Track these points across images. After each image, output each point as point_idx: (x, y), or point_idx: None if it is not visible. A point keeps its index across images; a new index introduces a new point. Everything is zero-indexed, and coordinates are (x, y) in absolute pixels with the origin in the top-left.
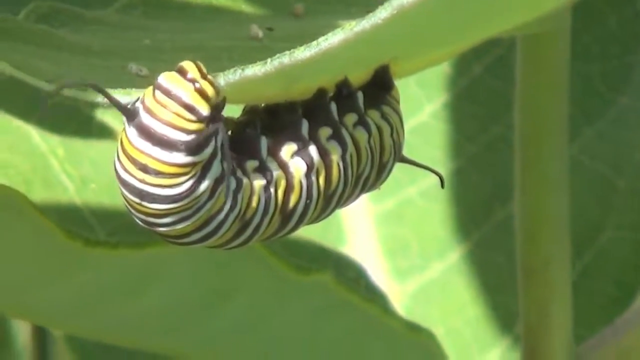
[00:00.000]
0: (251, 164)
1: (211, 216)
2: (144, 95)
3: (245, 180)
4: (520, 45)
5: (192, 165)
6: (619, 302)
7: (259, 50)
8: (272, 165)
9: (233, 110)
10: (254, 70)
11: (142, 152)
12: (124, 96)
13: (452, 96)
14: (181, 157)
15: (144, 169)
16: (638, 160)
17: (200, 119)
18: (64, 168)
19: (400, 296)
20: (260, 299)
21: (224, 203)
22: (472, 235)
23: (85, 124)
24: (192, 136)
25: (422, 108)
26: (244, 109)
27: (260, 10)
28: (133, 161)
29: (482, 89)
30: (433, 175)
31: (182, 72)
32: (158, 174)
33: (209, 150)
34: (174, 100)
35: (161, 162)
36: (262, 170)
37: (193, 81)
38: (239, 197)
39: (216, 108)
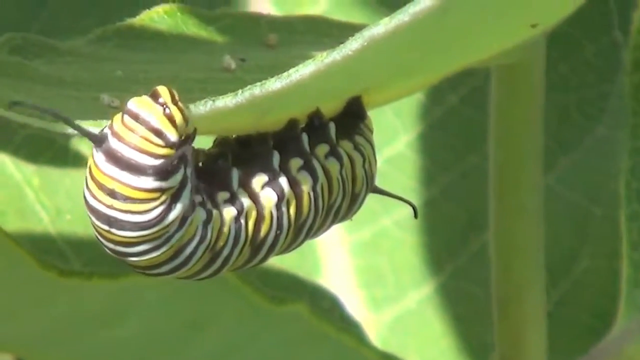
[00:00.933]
0: (222, 195)
1: (181, 247)
2: (112, 121)
3: (215, 212)
4: (495, 75)
5: (161, 191)
6: (594, 332)
7: (231, 82)
8: (243, 196)
9: (204, 142)
10: (225, 101)
11: (110, 176)
12: (95, 127)
13: (427, 126)
14: (149, 182)
15: (112, 194)
16: (614, 189)
17: (169, 145)
18: (39, 198)
19: (375, 326)
20: (235, 329)
21: (194, 234)
22: (448, 265)
23: (61, 154)
24: (161, 161)
25: (398, 137)
26: (215, 140)
27: (234, 41)
28: (101, 187)
29: (458, 119)
30: (408, 205)
31: (155, 96)
32: (126, 199)
33: (178, 177)
34: (142, 125)
35: (129, 186)
36: (233, 201)
37: (163, 105)
38: (209, 228)
39: (185, 136)
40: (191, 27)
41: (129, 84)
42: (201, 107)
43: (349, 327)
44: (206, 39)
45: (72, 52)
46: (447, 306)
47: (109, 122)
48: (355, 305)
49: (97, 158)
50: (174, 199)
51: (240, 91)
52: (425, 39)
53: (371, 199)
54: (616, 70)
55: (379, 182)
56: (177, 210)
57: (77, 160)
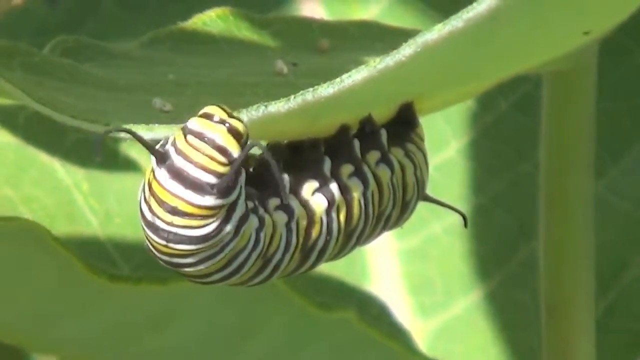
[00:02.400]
0: (273, 202)
1: (234, 255)
2: (174, 138)
3: (267, 218)
4: (547, 82)
5: (221, 207)
6: None
7: (283, 86)
8: (294, 202)
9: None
10: (277, 107)
11: (173, 194)
12: (147, 132)
13: (478, 133)
14: (212, 200)
15: (174, 211)
16: None
17: (231, 161)
18: (88, 202)
19: (423, 333)
20: (283, 336)
21: (248, 241)
22: (496, 273)
23: (110, 158)
24: (222, 179)
25: (449, 144)
26: (267, 146)
27: (286, 45)
28: (162, 203)
29: (508, 126)
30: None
31: (209, 116)
32: (187, 215)
33: (237, 191)
34: (207, 144)
35: (193, 204)
36: (284, 207)
37: (223, 122)
38: (262, 235)
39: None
40: (243, 31)
41: (182, 87)
42: (253, 112)
43: (397, 334)
44: (258, 43)
45: (124, 55)
46: (495, 314)
47: (170, 138)
48: (403, 312)
49: (160, 175)
50: (231, 210)
51: (292, 96)
52: (478, 45)
53: (420, 206)
54: None
55: (429, 189)
56: (234, 221)
57: (126, 165)
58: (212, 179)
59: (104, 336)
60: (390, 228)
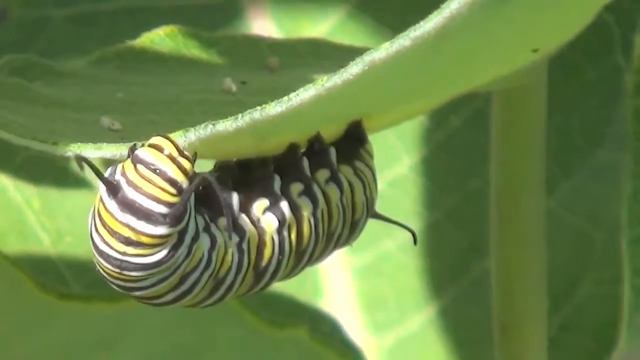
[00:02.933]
0: (223, 221)
1: (186, 275)
2: (123, 168)
3: (219, 238)
4: (496, 99)
5: (172, 234)
6: (596, 357)
7: (232, 105)
8: (244, 222)
9: (205, 165)
10: (225, 125)
11: (126, 225)
12: (94, 150)
13: (430, 149)
14: (165, 229)
15: (127, 241)
16: (615, 213)
17: (181, 192)
18: (40, 220)
19: (377, 350)
20: (235, 353)
21: (199, 261)
22: (450, 289)
23: (61, 176)
24: (173, 209)
25: (401, 160)
26: (215, 165)
27: (235, 64)
28: (114, 233)
29: (460, 142)
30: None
31: (159, 148)
32: (140, 245)
33: (187, 216)
34: (158, 175)
35: (146, 234)
36: (234, 227)
37: (172, 158)
38: (213, 255)
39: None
40: (192, 49)
41: (130, 106)
42: (202, 131)
43: (350, 351)
44: (207, 61)
45: (72, 74)
46: (448, 330)
47: (118, 166)
48: (356, 329)
49: (111, 206)
50: (183, 232)
51: (240, 115)
52: (426, 63)
53: (373, 222)
54: (618, 94)
55: (381, 205)
56: (186, 242)
57: (77, 182)
58: (164, 209)
59: (54, 355)
60: (341, 247)
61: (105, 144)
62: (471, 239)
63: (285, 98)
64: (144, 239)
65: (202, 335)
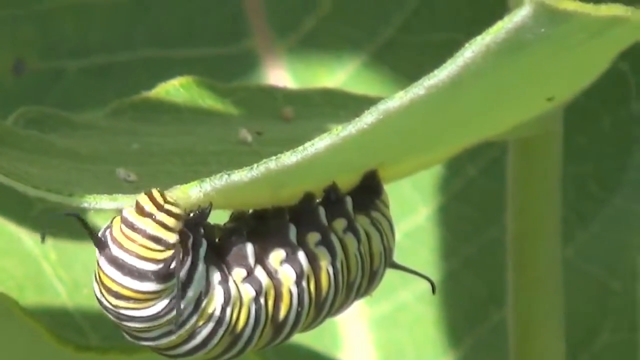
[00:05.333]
0: (239, 273)
1: (196, 330)
2: (111, 226)
3: (234, 292)
4: (512, 148)
5: (165, 289)
6: None
7: (247, 155)
8: (261, 274)
9: (220, 216)
10: (240, 175)
11: (113, 280)
12: (110, 202)
13: (447, 198)
14: (152, 285)
15: (117, 295)
16: (632, 261)
17: (168, 247)
18: (56, 272)
19: None
20: None
21: (211, 316)
22: (468, 339)
23: (77, 227)
24: (161, 265)
25: (417, 210)
26: (231, 215)
27: (250, 114)
28: (106, 288)
29: (477, 191)
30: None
31: (140, 208)
32: (131, 299)
33: (183, 271)
34: (139, 234)
35: (133, 290)
36: (251, 280)
37: (150, 215)
38: (228, 310)
39: (188, 226)
40: (207, 100)
41: (146, 157)
42: (217, 181)
43: None
44: (222, 112)
45: (88, 125)
46: None
47: (108, 225)
48: None
49: (101, 262)
50: (185, 286)
51: (255, 165)
52: (440, 112)
53: (390, 273)
54: (634, 142)
55: (399, 256)
56: (189, 296)
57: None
58: (151, 267)
59: None
60: (360, 297)
61: (120, 195)
62: (489, 288)
63: (301, 147)
64: (134, 295)
65: None
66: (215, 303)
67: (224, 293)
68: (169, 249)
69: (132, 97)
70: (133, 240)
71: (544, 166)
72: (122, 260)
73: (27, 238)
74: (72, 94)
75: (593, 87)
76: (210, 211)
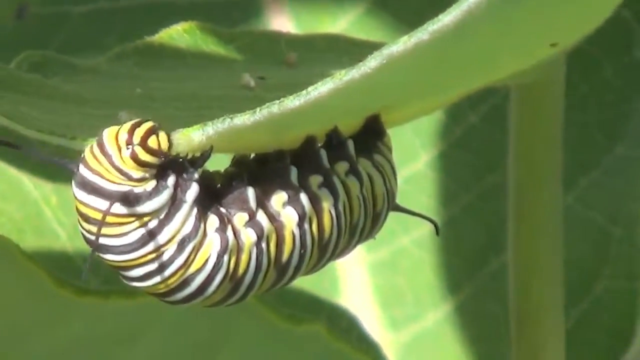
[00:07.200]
0: (241, 218)
1: (189, 277)
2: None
3: (231, 239)
4: (514, 94)
5: (135, 216)
6: (612, 352)
7: (250, 100)
8: (262, 218)
9: (222, 161)
10: (243, 119)
11: (81, 202)
12: None
13: (448, 145)
14: (116, 208)
15: (87, 219)
16: (633, 209)
17: (128, 177)
18: (57, 216)
19: (394, 346)
20: (252, 349)
21: (205, 263)
22: (467, 285)
23: None
24: (126, 188)
25: (418, 156)
26: (232, 160)
27: (253, 59)
28: (80, 214)
29: (478, 138)
30: (427, 224)
31: (117, 133)
32: (98, 222)
33: (157, 203)
34: (105, 158)
35: (97, 210)
36: (252, 224)
37: (128, 145)
38: (225, 257)
39: (173, 163)
40: (210, 45)
41: (149, 101)
42: (219, 125)
43: (367, 347)
44: (225, 57)
45: (91, 70)
46: (465, 326)
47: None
48: (373, 324)
49: (73, 187)
50: (161, 223)
51: (258, 109)
52: (444, 57)
53: (390, 218)
54: (636, 90)
55: (398, 202)
56: (165, 235)
57: None
58: (114, 187)
59: (72, 351)
60: (364, 240)
61: None
62: (489, 234)
63: (304, 92)
64: (97, 215)
65: (218, 331)
66: (210, 250)
67: (221, 240)
68: (130, 180)
69: (136, 42)
70: (99, 162)
71: (546, 113)
72: (86, 179)
73: (27, 181)
74: (75, 39)
75: (596, 35)
76: (209, 155)
